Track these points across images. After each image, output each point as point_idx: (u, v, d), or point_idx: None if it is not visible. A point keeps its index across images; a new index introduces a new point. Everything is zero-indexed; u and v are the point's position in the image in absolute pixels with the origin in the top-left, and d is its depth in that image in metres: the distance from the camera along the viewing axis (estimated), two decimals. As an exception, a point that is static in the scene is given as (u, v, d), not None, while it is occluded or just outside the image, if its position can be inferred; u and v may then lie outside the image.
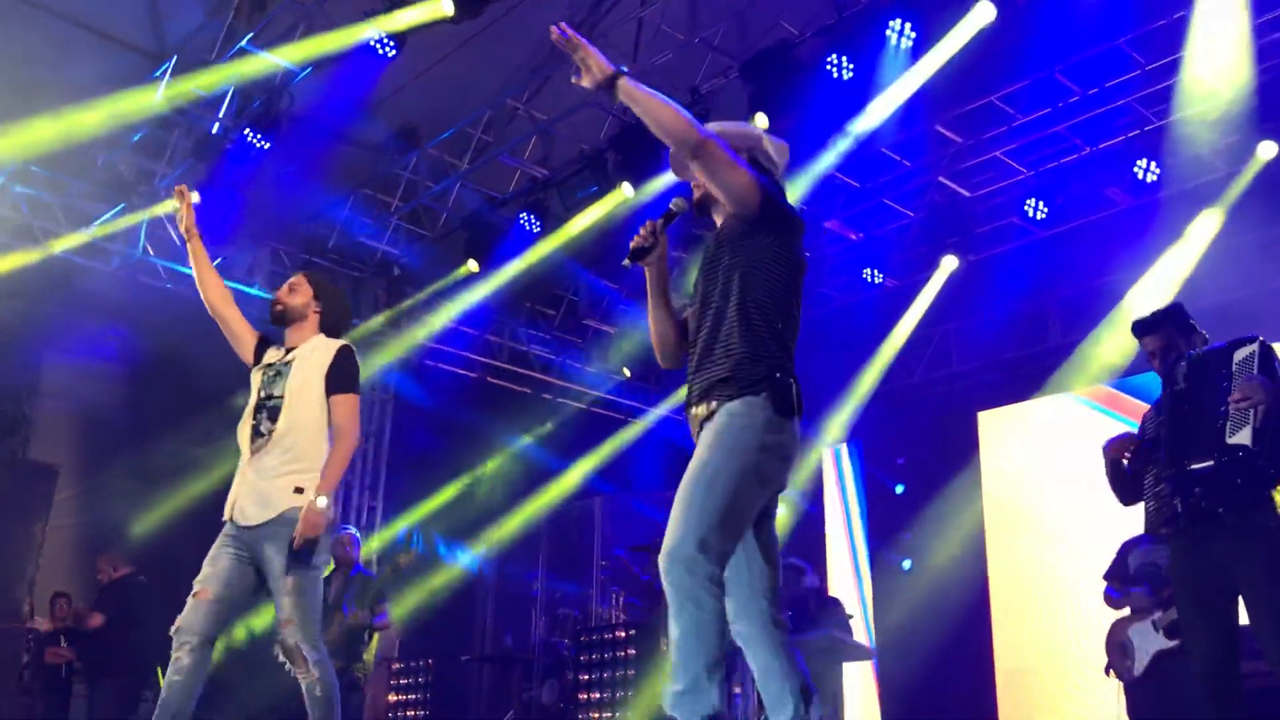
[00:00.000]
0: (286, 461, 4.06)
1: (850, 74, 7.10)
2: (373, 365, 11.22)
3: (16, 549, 7.88)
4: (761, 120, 7.43)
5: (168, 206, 8.93)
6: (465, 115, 9.23)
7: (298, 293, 4.39)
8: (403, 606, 10.06)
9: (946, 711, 9.37)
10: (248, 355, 4.40)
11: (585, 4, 8.61)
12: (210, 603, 3.94)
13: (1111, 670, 5.74)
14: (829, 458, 11.46)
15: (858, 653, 7.58)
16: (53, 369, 10.19)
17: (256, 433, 4.14)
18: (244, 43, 7.84)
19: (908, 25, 6.89)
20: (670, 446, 11.85)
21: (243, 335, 4.42)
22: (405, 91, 8.75)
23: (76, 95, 8.32)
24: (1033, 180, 9.14)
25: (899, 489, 10.64)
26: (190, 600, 3.96)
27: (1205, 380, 4.03)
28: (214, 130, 8.68)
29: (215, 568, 4.00)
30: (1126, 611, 5.73)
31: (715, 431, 2.82)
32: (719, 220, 3.16)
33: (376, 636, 7.50)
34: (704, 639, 2.65)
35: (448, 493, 11.33)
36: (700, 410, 2.93)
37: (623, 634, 8.05)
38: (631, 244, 3.09)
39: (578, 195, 8.87)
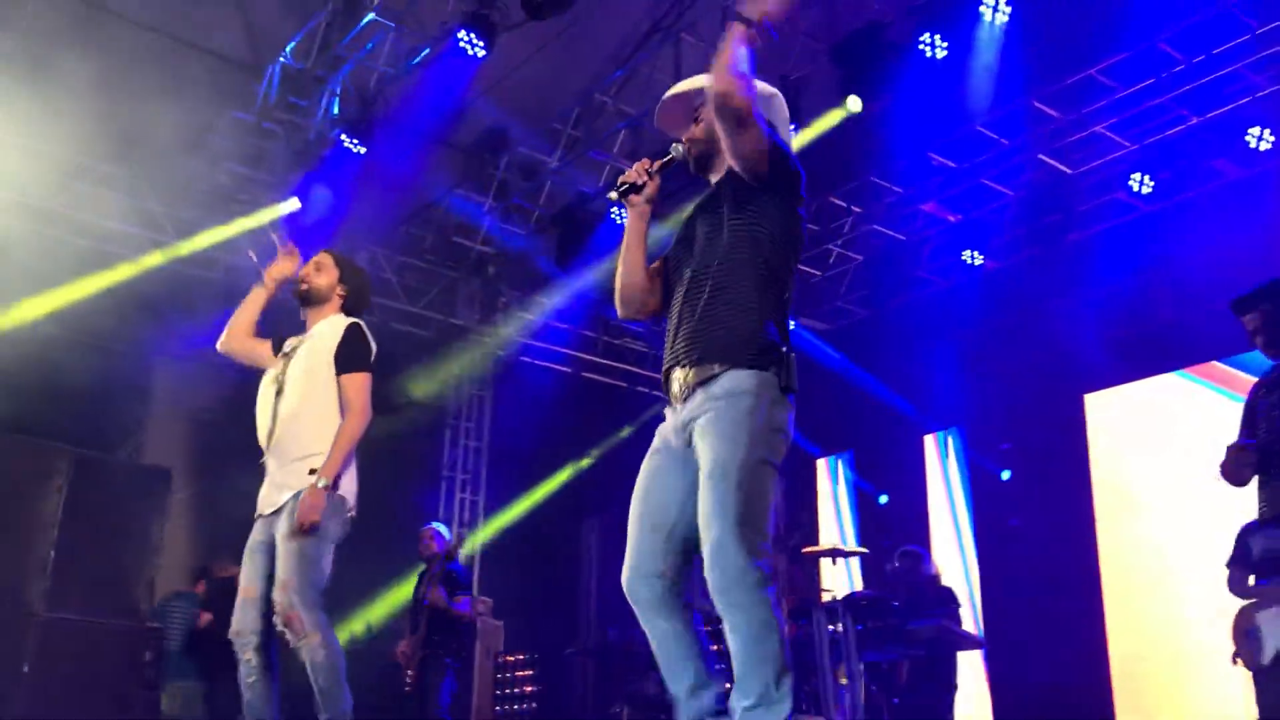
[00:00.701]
0: (299, 443, 3.97)
1: (944, 52, 6.95)
2: (470, 362, 11.36)
3: (135, 551, 8.08)
4: (855, 103, 7.32)
5: (270, 214, 9.13)
6: (554, 112, 9.28)
7: (324, 272, 4.26)
8: (507, 598, 10.18)
9: (1060, 701, 9.13)
10: (269, 363, 4.25)
11: (667, -2, 8.59)
12: (258, 599, 3.90)
13: (1239, 659, 5.52)
14: (931, 444, 11.26)
15: (968, 642, 7.43)
16: (164, 374, 10.50)
17: (272, 417, 4.06)
18: (337, 50, 7.98)
19: (1002, 0, 6.72)
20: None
21: (260, 350, 4.28)
22: (495, 90, 8.82)
23: (181, 109, 8.58)
24: (1137, 154, 8.86)
25: (1005, 475, 10.40)
26: (239, 601, 3.93)
27: None
28: (311, 137, 8.85)
29: (252, 564, 3.97)
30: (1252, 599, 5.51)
31: (729, 420, 2.67)
32: (715, 177, 3.04)
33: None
34: (767, 647, 2.54)
35: (548, 487, 11.42)
36: (695, 373, 2.77)
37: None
38: (621, 178, 3.01)
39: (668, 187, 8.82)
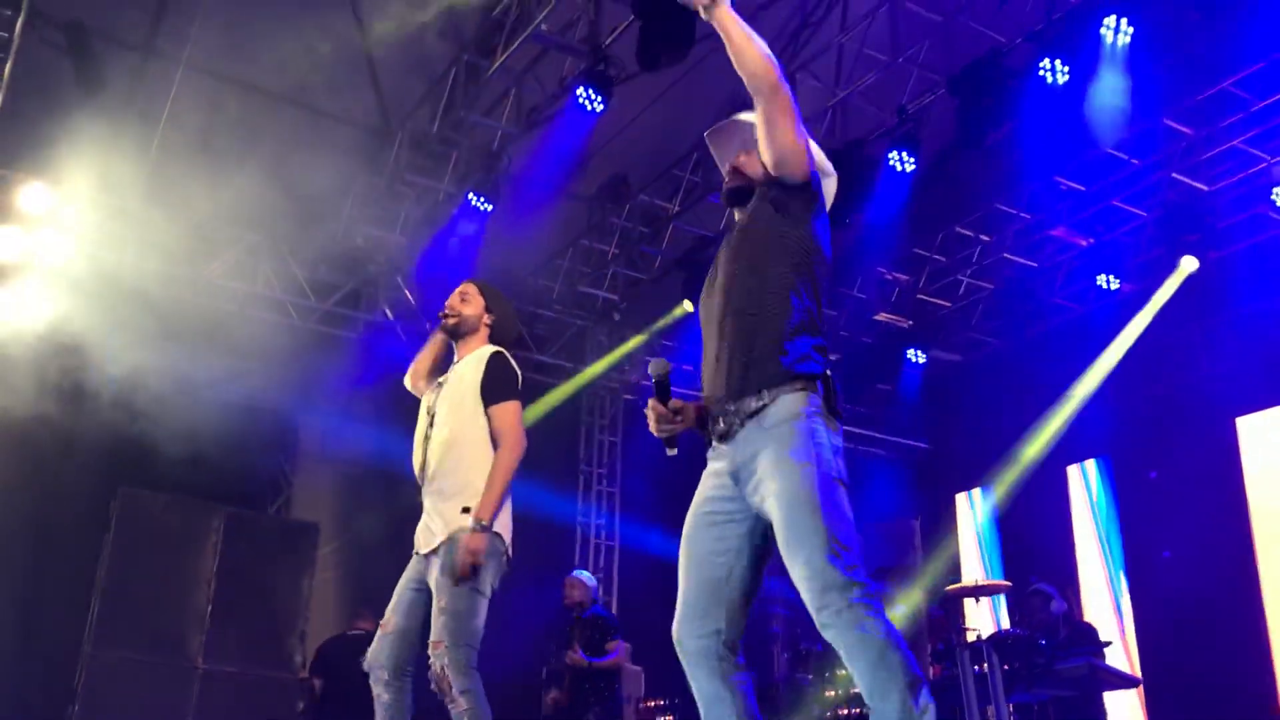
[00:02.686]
0: (452, 480, 3.88)
1: (1065, 77, 6.82)
2: (602, 410, 11.50)
3: (287, 603, 8.42)
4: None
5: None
6: (672, 159, 9.40)
7: (470, 302, 4.20)
8: (645, 642, 10.19)
9: (1226, 741, 8.72)
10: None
11: (783, 38, 8.63)
12: (394, 634, 3.82)
13: None
14: (1076, 475, 10.92)
15: (1121, 681, 7.17)
16: (309, 431, 10.89)
17: (425, 452, 4.00)
18: (462, 111, 8.24)
19: (1124, 20, 6.57)
20: (901, 473, 11.61)
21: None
22: (615, 141, 8.98)
23: (319, 176, 8.94)
24: (1277, 167, 8.53)
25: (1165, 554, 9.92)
26: (378, 633, 3.87)
27: None
28: (440, 197, 9.13)
29: (398, 599, 3.89)
30: None
31: (789, 447, 2.58)
32: (740, 215, 3.00)
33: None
34: (892, 666, 2.41)
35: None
36: (739, 406, 2.69)
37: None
38: (660, 437, 2.85)
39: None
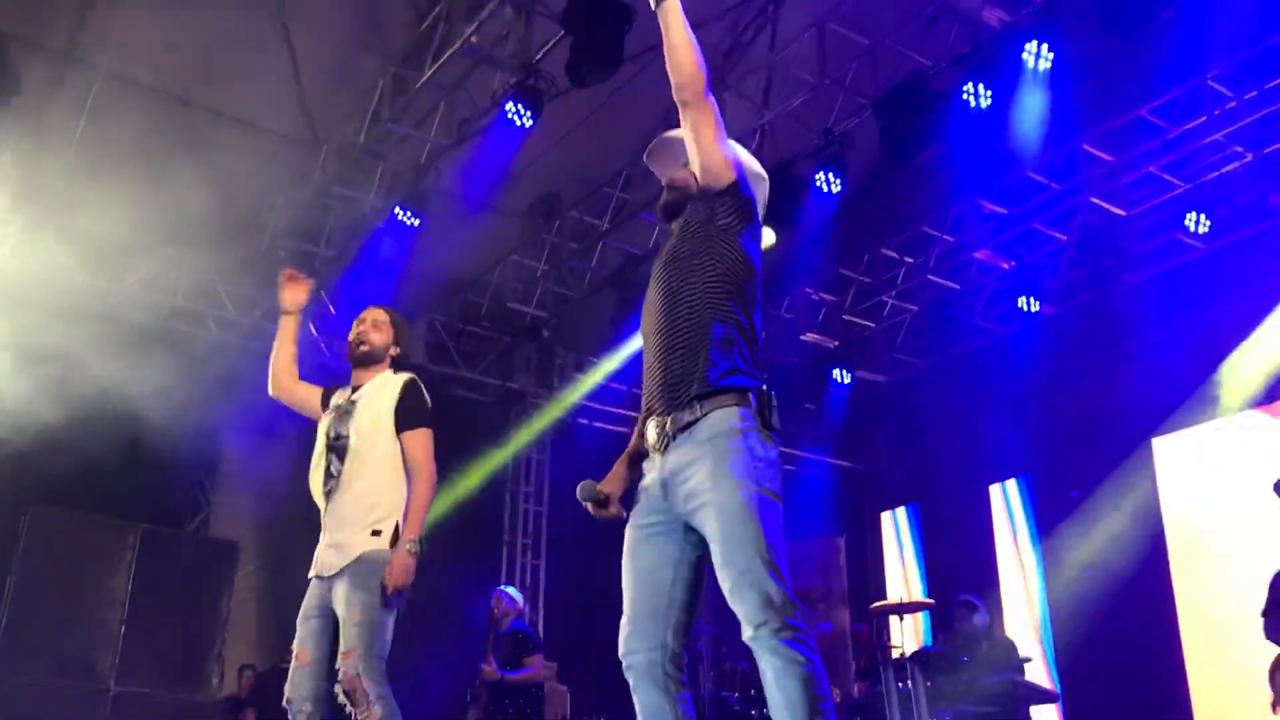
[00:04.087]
0: (361, 504, 3.90)
1: (988, 101, 6.95)
2: (527, 426, 11.42)
3: (204, 624, 8.23)
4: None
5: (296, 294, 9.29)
6: (603, 176, 9.41)
7: (382, 331, 4.21)
8: (571, 661, 10.12)
9: (1143, 755, 8.88)
10: (319, 412, 4.19)
11: (714, 59, 8.69)
12: (310, 666, 3.81)
13: (1278, 707, 5.37)
14: (997, 494, 11.09)
15: (1040, 696, 7.27)
16: (231, 448, 10.68)
17: (328, 475, 3.98)
18: (389, 125, 8.17)
19: (1044, 46, 6.72)
20: (826, 491, 11.69)
21: (310, 399, 4.24)
22: (545, 157, 8.96)
23: (236, 186, 8.80)
24: (1192, 193, 8.77)
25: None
26: (292, 667, 3.84)
27: None
28: (366, 210, 9.03)
29: (307, 628, 3.87)
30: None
31: (723, 460, 2.58)
32: (678, 225, 3.00)
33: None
34: (812, 696, 2.42)
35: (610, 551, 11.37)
36: (674, 419, 2.69)
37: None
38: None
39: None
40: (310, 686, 3.79)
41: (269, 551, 9.93)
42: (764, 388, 2.73)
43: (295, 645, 3.88)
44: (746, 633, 2.47)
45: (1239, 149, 8.35)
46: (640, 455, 2.87)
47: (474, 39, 7.32)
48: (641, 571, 2.73)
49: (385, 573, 3.78)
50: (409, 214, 8.48)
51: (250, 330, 9.78)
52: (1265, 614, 5.48)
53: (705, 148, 2.82)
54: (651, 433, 2.76)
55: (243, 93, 8.70)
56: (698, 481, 2.61)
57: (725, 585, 2.52)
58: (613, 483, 2.94)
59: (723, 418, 2.65)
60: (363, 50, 8.49)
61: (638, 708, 2.69)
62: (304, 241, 9.54)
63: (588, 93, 7.70)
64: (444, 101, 8.18)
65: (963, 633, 7.28)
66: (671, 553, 2.72)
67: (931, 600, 7.32)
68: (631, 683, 2.69)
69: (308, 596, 3.95)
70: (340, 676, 3.72)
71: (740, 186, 2.87)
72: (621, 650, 2.71)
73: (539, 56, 7.36)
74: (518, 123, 7.41)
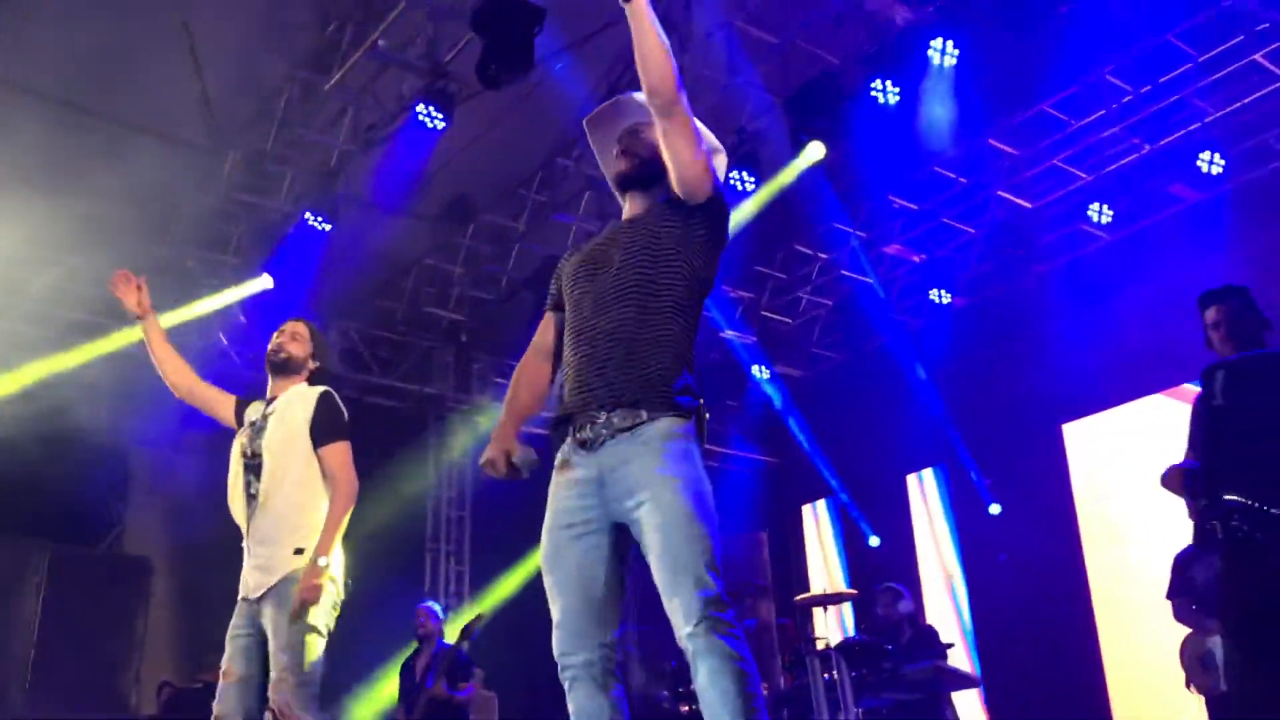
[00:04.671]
0: (283, 524, 3.83)
1: (896, 98, 7.06)
2: (449, 432, 11.32)
3: (119, 644, 8.01)
4: (817, 149, 7.41)
5: (237, 294, 9.11)
6: (517, 178, 9.36)
7: (301, 342, 4.14)
8: (499, 668, 10.05)
9: (1062, 735, 9.08)
10: (231, 420, 4.12)
11: (624, 60, 8.70)
12: (239, 683, 3.74)
13: (1193, 686, 5.53)
14: (914, 484, 11.27)
15: (963, 681, 7.40)
16: (141, 463, 10.42)
17: (248, 496, 3.91)
18: (297, 129, 8.03)
19: (949, 43, 6.84)
20: (748, 487, 11.77)
21: (219, 402, 4.16)
22: (458, 160, 8.87)
23: (140, 195, 8.58)
24: (1095, 184, 9.00)
25: (994, 509, 10.32)
26: (220, 685, 3.76)
27: (1263, 390, 3.86)
28: (275, 217, 8.87)
29: (235, 645, 3.81)
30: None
31: (669, 463, 2.55)
32: (637, 205, 2.89)
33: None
34: (747, 694, 2.40)
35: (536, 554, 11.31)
36: (616, 417, 2.62)
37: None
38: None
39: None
40: (238, 704, 3.72)
41: (184, 567, 9.70)
42: (701, 402, 2.70)
43: (224, 662, 3.81)
44: (683, 630, 2.44)
45: (1137, 141, 8.57)
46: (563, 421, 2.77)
47: (381, 42, 7.23)
48: (571, 573, 2.64)
49: (294, 591, 3.70)
50: (320, 219, 8.35)
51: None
52: (1170, 597, 5.64)
53: (685, 160, 2.68)
54: (584, 430, 2.67)
55: (146, 100, 8.48)
56: (638, 479, 2.57)
57: (663, 581, 2.49)
58: (503, 444, 2.87)
59: (666, 425, 2.61)
60: (267, 54, 8.33)
61: (573, 710, 2.62)
62: (211, 250, 9.34)
63: (500, 94, 7.66)
64: (352, 105, 8.06)
65: (887, 621, 7.38)
66: (602, 551, 2.65)
67: (854, 591, 7.40)
68: (568, 686, 2.63)
69: (236, 614, 3.87)
70: (270, 703, 3.64)
71: (718, 200, 2.78)
72: (558, 653, 2.64)
73: (449, 59, 7.29)
74: (429, 125, 7.34)
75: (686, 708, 8.02)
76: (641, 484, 2.56)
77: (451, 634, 8.03)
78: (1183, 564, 5.59)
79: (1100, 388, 9.78)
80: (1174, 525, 8.57)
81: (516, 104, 8.20)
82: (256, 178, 8.65)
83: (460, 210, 9.73)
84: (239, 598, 3.88)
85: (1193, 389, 8.83)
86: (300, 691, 3.62)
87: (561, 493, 2.71)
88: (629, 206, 2.93)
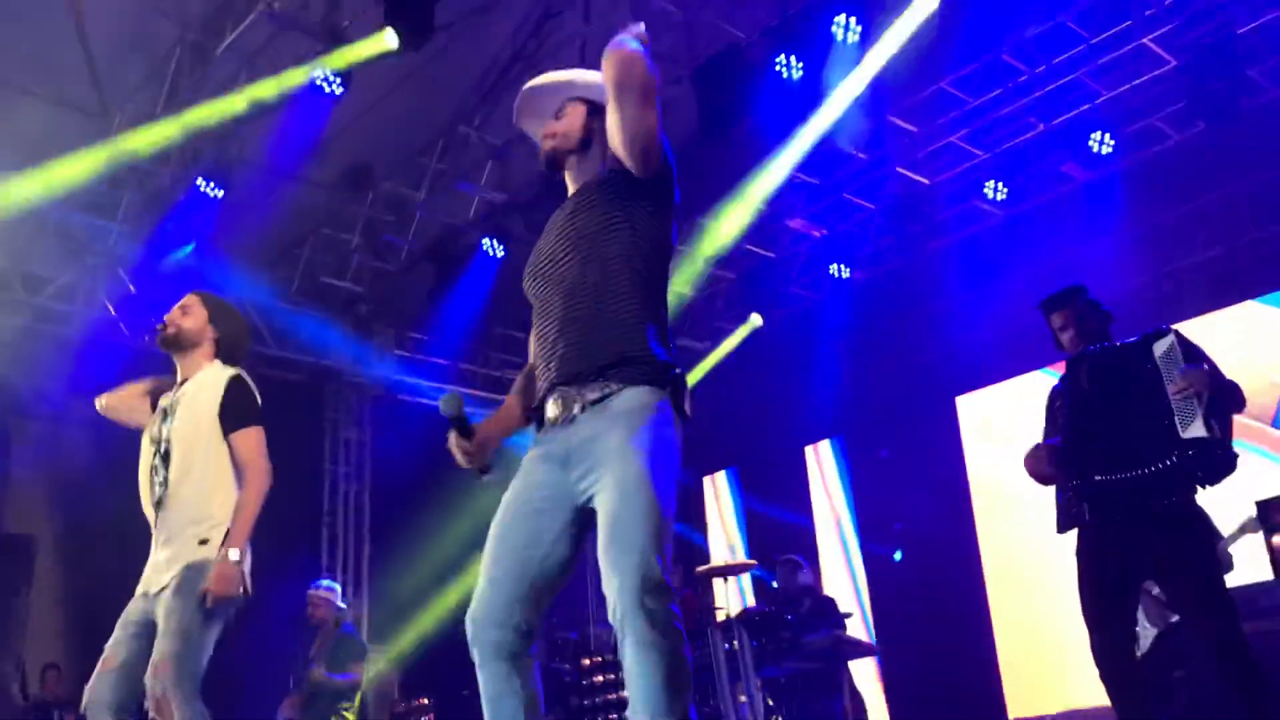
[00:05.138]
0: (189, 515, 3.64)
1: (800, 73, 7.10)
2: (347, 406, 11.13)
3: (1, 626, 7.72)
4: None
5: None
6: (418, 145, 9.19)
7: (191, 314, 3.90)
8: (400, 644, 9.97)
9: (953, 700, 9.33)
10: (147, 417, 3.90)
11: (527, 28, 8.60)
12: (117, 672, 3.53)
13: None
14: (811, 455, 11.43)
15: (860, 650, 7.55)
16: (24, 436, 10.05)
17: (154, 484, 3.72)
18: (187, 93, 7.76)
19: (853, 20, 6.89)
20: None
21: (131, 406, 3.96)
22: (356, 127, 8.67)
23: (21, 159, 8.23)
24: (990, 162, 9.18)
25: (897, 556, 10.48)
26: (97, 670, 3.53)
27: (1124, 378, 4.00)
28: (166, 183, 8.58)
29: (123, 632, 3.61)
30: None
31: (636, 438, 2.45)
32: (575, 180, 2.82)
33: (359, 696, 7.38)
34: (683, 679, 2.34)
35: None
36: (585, 392, 2.55)
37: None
38: (468, 466, 2.71)
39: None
40: (112, 695, 3.50)
41: (69, 546, 9.40)
42: (678, 371, 2.63)
43: (106, 649, 3.60)
44: (618, 609, 2.34)
45: (1032, 120, 8.76)
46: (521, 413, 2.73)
47: (276, 4, 7.01)
48: (513, 547, 2.56)
49: (206, 580, 3.53)
50: (212, 185, 8.09)
51: (40, 312, 9.18)
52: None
53: (641, 127, 2.58)
54: (553, 407, 2.61)
55: (26, 62, 8.11)
56: (601, 454, 2.49)
57: (605, 558, 2.38)
58: (494, 425, 2.77)
59: (636, 395, 2.53)
60: (155, 16, 8.02)
61: (482, 685, 2.53)
62: (99, 216, 9.00)
63: (399, 60, 7.51)
64: (246, 70, 7.81)
65: (786, 591, 7.48)
66: (553, 530, 2.57)
67: (754, 561, 7.47)
68: (478, 659, 2.53)
69: (130, 605, 3.67)
70: (148, 690, 3.45)
71: (668, 165, 2.71)
72: (473, 626, 2.54)
73: (347, 23, 7.11)
74: (326, 90, 7.15)
75: (587, 681, 8.04)
76: (607, 459, 2.47)
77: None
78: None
79: (993, 361, 10.01)
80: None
81: (416, 70, 8.05)
82: (145, 143, 8.32)
83: (357, 178, 9.52)
84: (138, 592, 3.69)
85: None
86: (181, 682, 3.44)
87: (531, 467, 2.64)
88: (569, 186, 2.86)
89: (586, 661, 8.26)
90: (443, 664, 10.47)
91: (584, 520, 2.57)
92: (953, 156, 9.32)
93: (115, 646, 3.60)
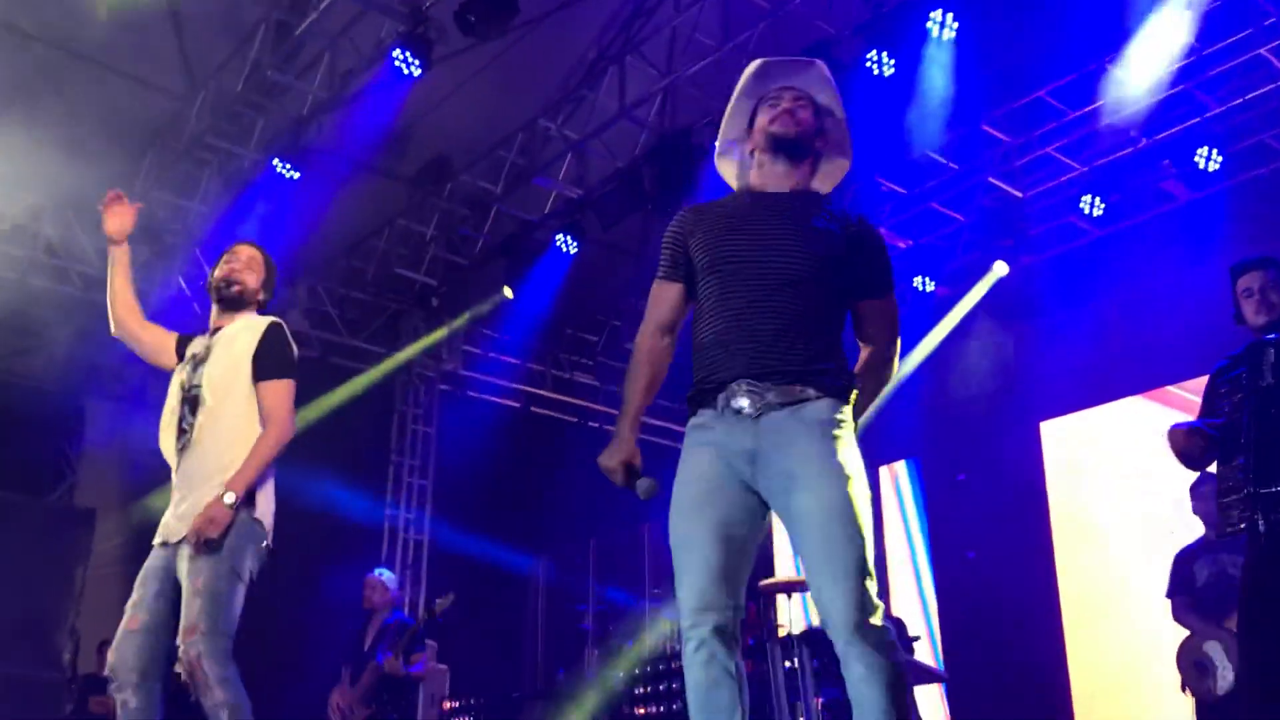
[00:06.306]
0: (213, 463, 3.52)
1: (891, 70, 6.81)
2: (416, 399, 11.07)
3: (56, 597, 7.72)
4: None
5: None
6: (496, 139, 9.08)
7: (256, 271, 3.84)
8: (451, 640, 9.82)
9: (1023, 736, 8.93)
10: (173, 362, 3.81)
11: (619, 20, 8.44)
12: (142, 632, 3.41)
13: (1188, 689, 5.31)
14: (887, 476, 11.08)
15: (928, 675, 7.22)
16: (96, 414, 10.15)
17: (180, 430, 3.60)
18: (269, 73, 7.73)
19: (949, 16, 6.59)
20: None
21: (160, 344, 3.86)
22: (435, 118, 8.60)
23: (112, 137, 8.28)
24: (1088, 176, 8.78)
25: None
26: (120, 631, 3.45)
27: None
28: (245, 164, 8.56)
29: (144, 591, 3.48)
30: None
31: (836, 453, 2.49)
32: (782, 178, 2.78)
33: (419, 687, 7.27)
34: (902, 693, 2.40)
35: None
36: (781, 392, 2.53)
37: (679, 665, 7.75)
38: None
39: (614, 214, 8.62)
40: (138, 656, 3.39)
41: (137, 523, 9.43)
42: (857, 390, 2.65)
43: (128, 608, 3.47)
44: (838, 633, 2.39)
45: (1134, 134, 8.36)
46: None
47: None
48: (714, 527, 2.52)
49: (194, 524, 3.41)
50: (288, 166, 8.04)
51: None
52: (1169, 595, 5.41)
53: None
54: (743, 399, 2.54)
55: (118, 37, 8.16)
56: (801, 464, 2.48)
57: (820, 582, 2.42)
58: (632, 453, 2.71)
59: (832, 408, 2.55)
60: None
61: (698, 679, 2.48)
62: (177, 195, 9.03)
63: (479, 52, 7.41)
64: (328, 51, 7.75)
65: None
66: (744, 515, 2.56)
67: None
68: (697, 652, 2.48)
69: (150, 560, 3.56)
70: (180, 654, 3.34)
71: None
72: (693, 608, 2.48)
73: (429, 4, 7.00)
74: (405, 71, 7.03)
75: (641, 689, 7.83)
76: (804, 470, 2.48)
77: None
78: (1184, 561, 5.35)
79: (1080, 386, 9.59)
80: (1146, 528, 8.47)
81: (495, 60, 7.95)
82: (226, 123, 8.32)
83: (436, 170, 9.44)
84: (156, 542, 3.58)
85: (1175, 392, 8.74)
86: (214, 642, 3.33)
87: (706, 455, 2.59)
88: (769, 175, 2.81)
89: (639, 670, 8.06)
90: (494, 665, 10.37)
91: (765, 510, 2.59)
92: (1049, 169, 8.94)
93: (136, 607, 3.48)
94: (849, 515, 2.42)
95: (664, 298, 2.78)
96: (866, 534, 2.43)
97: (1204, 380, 4.00)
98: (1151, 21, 7.03)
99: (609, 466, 2.68)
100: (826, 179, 2.89)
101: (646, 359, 2.75)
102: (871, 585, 2.40)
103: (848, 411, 2.59)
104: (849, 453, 2.51)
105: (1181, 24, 6.95)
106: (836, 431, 2.52)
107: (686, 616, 2.51)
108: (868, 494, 2.50)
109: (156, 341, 3.88)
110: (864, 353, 2.77)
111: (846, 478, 2.46)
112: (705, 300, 2.69)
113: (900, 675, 2.39)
